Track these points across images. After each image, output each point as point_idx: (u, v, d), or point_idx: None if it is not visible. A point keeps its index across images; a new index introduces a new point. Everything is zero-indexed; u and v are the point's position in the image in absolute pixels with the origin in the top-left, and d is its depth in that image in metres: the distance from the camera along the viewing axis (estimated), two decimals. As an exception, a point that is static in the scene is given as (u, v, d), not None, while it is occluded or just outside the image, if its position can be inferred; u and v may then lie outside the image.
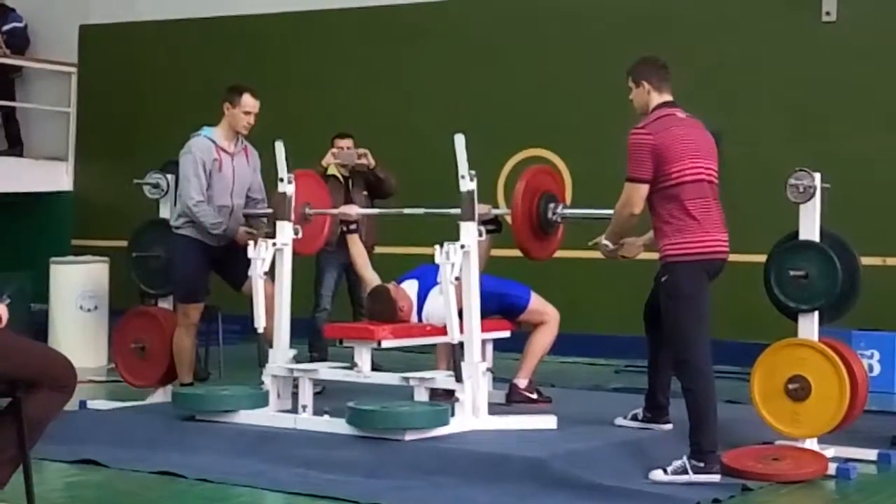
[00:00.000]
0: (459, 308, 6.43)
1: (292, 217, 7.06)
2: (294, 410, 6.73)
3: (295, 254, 7.06)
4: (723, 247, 5.92)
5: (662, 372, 6.46)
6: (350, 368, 6.77)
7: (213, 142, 7.31)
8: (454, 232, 6.51)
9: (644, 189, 5.83)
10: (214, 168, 7.28)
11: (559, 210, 6.67)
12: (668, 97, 6.02)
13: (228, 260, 7.34)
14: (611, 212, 6.10)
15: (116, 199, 11.67)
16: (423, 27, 11.83)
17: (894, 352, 9.20)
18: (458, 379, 6.40)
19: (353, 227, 7.39)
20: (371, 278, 7.25)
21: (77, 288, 10.11)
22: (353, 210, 7.49)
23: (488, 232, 6.72)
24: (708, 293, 5.88)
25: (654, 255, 5.98)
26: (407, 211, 7.29)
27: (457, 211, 6.53)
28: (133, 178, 7.97)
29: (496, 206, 7.24)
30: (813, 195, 6.26)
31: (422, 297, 7.03)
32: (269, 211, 7.33)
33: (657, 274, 5.96)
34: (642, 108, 6.04)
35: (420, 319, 7.01)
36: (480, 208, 6.61)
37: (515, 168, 10.67)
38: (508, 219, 6.79)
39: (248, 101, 7.34)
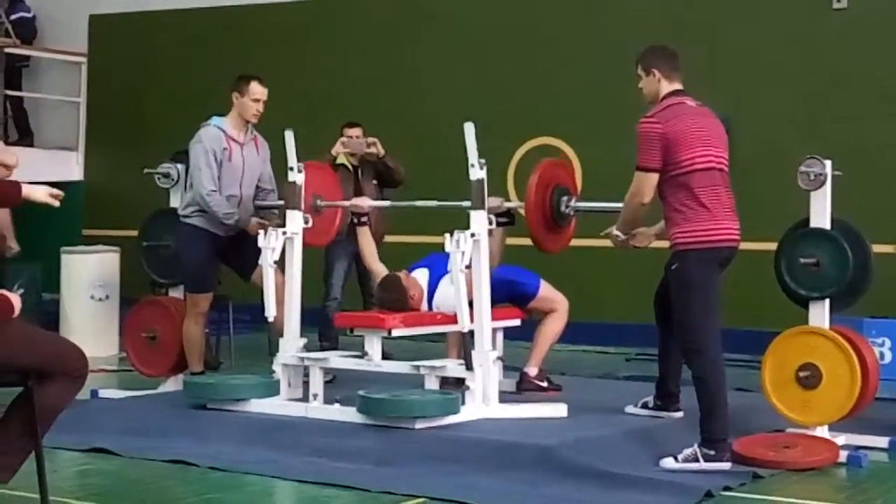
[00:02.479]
0: (470, 296, 6.43)
1: (302, 206, 7.06)
2: (305, 399, 6.74)
3: (306, 245, 7.06)
4: (733, 235, 5.91)
5: (673, 360, 6.45)
6: (360, 357, 6.77)
7: (223, 131, 7.31)
8: (464, 221, 6.50)
9: (654, 178, 5.81)
10: (224, 157, 7.26)
11: (572, 203, 6.65)
12: (678, 86, 6.01)
13: (236, 250, 7.34)
14: (622, 204, 6.09)
15: (127, 189, 11.70)
16: (433, 16, 11.81)
17: (905, 339, 9.20)
18: (469, 367, 6.40)
19: (363, 219, 7.39)
20: (379, 270, 7.23)
21: (88, 277, 10.13)
22: (366, 203, 7.46)
23: (500, 224, 6.71)
24: (718, 281, 5.88)
25: (665, 244, 5.97)
26: (419, 203, 7.27)
27: (469, 203, 6.51)
28: (143, 168, 7.98)
29: (508, 199, 7.24)
30: (824, 182, 6.24)
31: (432, 286, 7.02)
32: (281, 203, 7.32)
33: (667, 262, 5.95)
34: (652, 97, 6.02)
35: (430, 308, 7.01)
36: (492, 201, 6.59)
37: (525, 157, 10.67)
38: (521, 211, 6.78)
39: (257, 89, 7.33)
